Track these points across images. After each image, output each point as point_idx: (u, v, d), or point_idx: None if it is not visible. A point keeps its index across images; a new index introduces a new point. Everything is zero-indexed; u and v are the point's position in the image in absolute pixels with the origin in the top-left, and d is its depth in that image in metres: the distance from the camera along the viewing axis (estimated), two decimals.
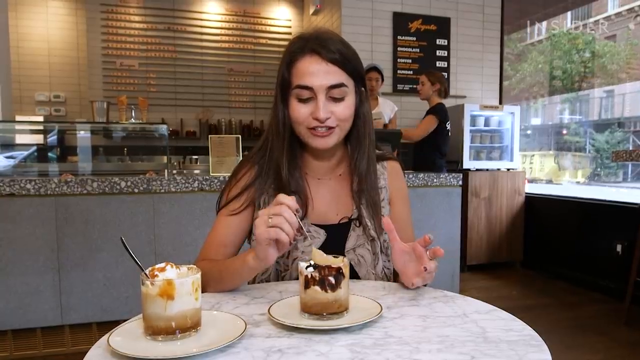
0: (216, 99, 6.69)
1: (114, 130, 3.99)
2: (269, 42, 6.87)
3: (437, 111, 4.27)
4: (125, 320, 0.90)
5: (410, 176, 3.26)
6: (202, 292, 1.13)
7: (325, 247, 1.16)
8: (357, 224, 1.25)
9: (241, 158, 3.23)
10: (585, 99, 14.63)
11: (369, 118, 1.26)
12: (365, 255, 1.24)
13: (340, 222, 1.26)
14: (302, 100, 1.16)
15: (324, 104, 1.14)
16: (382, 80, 4.67)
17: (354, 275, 1.21)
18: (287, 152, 1.22)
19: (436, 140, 4.30)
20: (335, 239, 1.24)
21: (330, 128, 1.17)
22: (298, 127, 1.18)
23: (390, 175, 1.36)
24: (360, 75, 1.22)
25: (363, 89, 1.24)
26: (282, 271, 1.23)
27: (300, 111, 1.16)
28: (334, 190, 1.30)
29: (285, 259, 1.22)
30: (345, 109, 1.17)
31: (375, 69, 4.61)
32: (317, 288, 0.88)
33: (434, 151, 4.32)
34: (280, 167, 1.22)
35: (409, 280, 1.08)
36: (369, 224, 1.24)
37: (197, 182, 2.91)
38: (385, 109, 4.65)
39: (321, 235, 1.23)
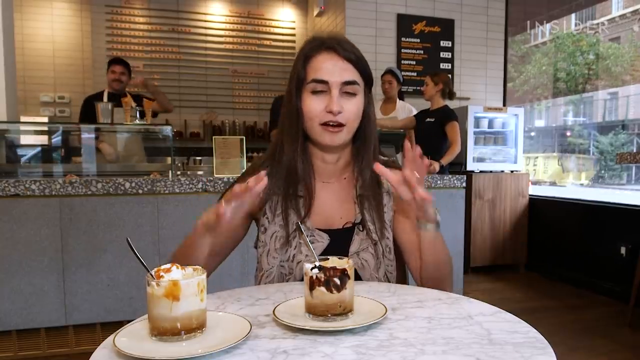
0: (220, 100, 6.69)
1: (118, 132, 4.00)
2: (273, 43, 6.88)
3: (455, 116, 4.23)
4: (129, 321, 0.90)
5: None
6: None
7: (329, 252, 1.16)
8: (361, 228, 1.25)
9: (245, 159, 3.24)
10: (589, 101, 14.62)
11: (374, 121, 1.29)
12: (368, 259, 1.24)
13: (344, 227, 1.26)
14: (316, 94, 1.18)
15: (337, 98, 1.17)
16: (399, 83, 4.69)
17: (357, 278, 1.21)
18: (300, 145, 1.24)
19: (447, 143, 4.25)
20: (338, 243, 1.24)
21: (340, 125, 1.19)
22: (310, 122, 1.20)
23: None
24: (369, 78, 1.25)
25: (370, 94, 1.27)
26: (286, 274, 1.24)
27: (313, 105, 1.18)
28: (339, 194, 1.30)
29: (290, 262, 1.22)
30: (355, 107, 1.20)
31: (390, 71, 4.63)
32: (323, 289, 0.88)
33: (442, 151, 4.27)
34: (292, 163, 1.23)
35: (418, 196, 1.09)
36: (371, 227, 1.24)
37: (201, 183, 2.91)
38: (402, 114, 4.64)
39: (324, 240, 1.24)
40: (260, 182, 1.00)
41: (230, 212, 1.02)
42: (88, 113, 3.96)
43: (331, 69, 1.17)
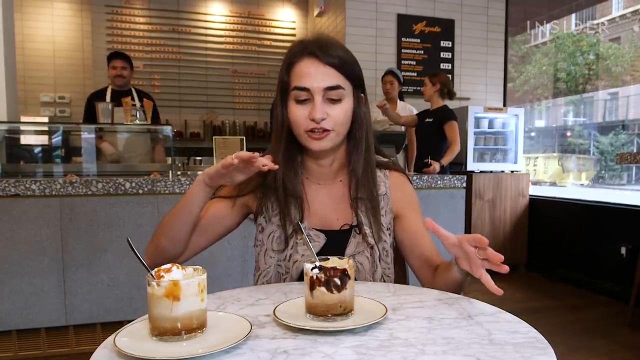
0: (220, 101, 6.69)
1: (118, 132, 4.00)
2: (273, 43, 6.87)
3: (454, 116, 4.23)
4: (129, 321, 0.90)
5: (414, 178, 3.26)
6: (156, 246, 1.20)
7: (325, 252, 1.16)
8: (358, 231, 1.25)
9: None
10: (589, 101, 14.61)
11: (366, 122, 1.26)
12: (364, 263, 1.24)
13: (342, 228, 1.26)
14: (300, 102, 1.17)
15: (320, 105, 1.15)
16: (400, 83, 4.69)
17: None
18: (284, 152, 1.23)
19: (446, 143, 4.25)
20: (335, 244, 1.24)
21: (325, 130, 1.17)
22: (296, 129, 1.19)
23: (395, 187, 1.33)
24: (358, 79, 1.22)
25: (362, 94, 1.24)
26: (283, 274, 1.24)
27: (297, 113, 1.17)
28: (335, 196, 1.30)
29: (287, 262, 1.23)
30: (341, 112, 1.18)
31: (390, 72, 4.64)
32: (323, 289, 0.88)
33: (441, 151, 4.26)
34: (283, 169, 1.23)
35: (477, 272, 1.03)
36: (367, 231, 1.24)
37: None
38: (403, 114, 4.63)
39: (321, 239, 1.24)
40: (269, 163, 1.06)
41: (235, 168, 1.07)
42: (92, 111, 3.94)
43: (312, 74, 1.15)
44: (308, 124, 1.16)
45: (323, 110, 1.15)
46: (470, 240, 1.00)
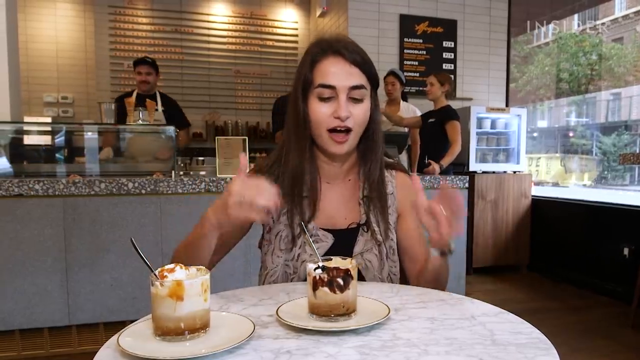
0: (223, 101, 6.70)
1: (121, 132, 4.00)
2: (276, 44, 6.88)
3: (457, 116, 4.22)
4: (132, 321, 0.91)
5: None
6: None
7: (333, 252, 1.17)
8: (365, 229, 1.25)
9: (248, 160, 3.23)
10: (592, 101, 14.58)
11: (380, 124, 1.29)
12: (372, 260, 1.24)
13: (349, 227, 1.26)
14: (323, 100, 1.18)
15: (345, 103, 1.16)
16: (402, 84, 4.69)
17: (361, 279, 1.22)
18: (308, 148, 1.23)
19: (449, 143, 4.24)
20: (343, 243, 1.24)
21: (348, 130, 1.18)
22: (318, 128, 1.20)
23: (400, 187, 1.35)
24: (376, 81, 1.25)
25: (376, 96, 1.27)
26: (290, 273, 1.24)
27: (320, 110, 1.18)
28: (343, 195, 1.30)
29: (295, 262, 1.23)
30: (361, 111, 1.20)
31: (392, 73, 4.63)
32: (326, 289, 0.89)
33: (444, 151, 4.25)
34: (299, 166, 1.23)
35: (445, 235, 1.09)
36: (376, 229, 1.25)
37: (203, 183, 2.92)
38: (406, 115, 4.63)
39: (329, 240, 1.24)
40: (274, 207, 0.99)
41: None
42: (118, 113, 3.92)
43: (338, 73, 1.16)
44: (331, 121, 1.17)
45: (347, 109, 1.16)
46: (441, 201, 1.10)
